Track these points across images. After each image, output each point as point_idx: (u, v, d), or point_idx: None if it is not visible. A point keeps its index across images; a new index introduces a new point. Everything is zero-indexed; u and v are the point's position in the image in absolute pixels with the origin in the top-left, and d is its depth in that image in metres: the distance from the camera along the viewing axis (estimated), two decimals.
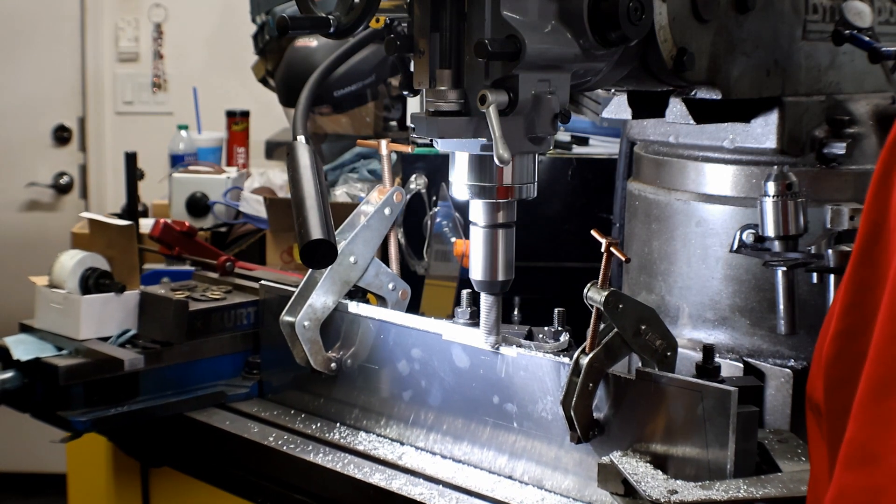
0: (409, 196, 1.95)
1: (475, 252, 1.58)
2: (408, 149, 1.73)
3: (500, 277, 1.58)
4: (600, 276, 1.47)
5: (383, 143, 1.97)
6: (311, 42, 3.34)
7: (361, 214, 1.88)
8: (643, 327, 1.48)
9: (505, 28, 1.36)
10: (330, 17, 1.42)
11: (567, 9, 1.40)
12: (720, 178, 1.72)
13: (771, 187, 1.54)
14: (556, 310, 1.74)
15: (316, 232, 1.75)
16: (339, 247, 1.84)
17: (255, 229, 3.32)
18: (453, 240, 2.50)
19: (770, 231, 1.55)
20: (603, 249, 1.48)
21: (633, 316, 1.48)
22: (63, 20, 5.27)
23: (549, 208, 2.76)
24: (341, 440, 1.79)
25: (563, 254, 2.79)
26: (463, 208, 1.74)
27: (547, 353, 1.61)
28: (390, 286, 1.90)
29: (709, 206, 1.72)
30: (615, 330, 1.48)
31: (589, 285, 1.48)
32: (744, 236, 1.60)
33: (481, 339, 1.65)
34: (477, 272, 1.58)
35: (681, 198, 1.75)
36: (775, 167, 1.57)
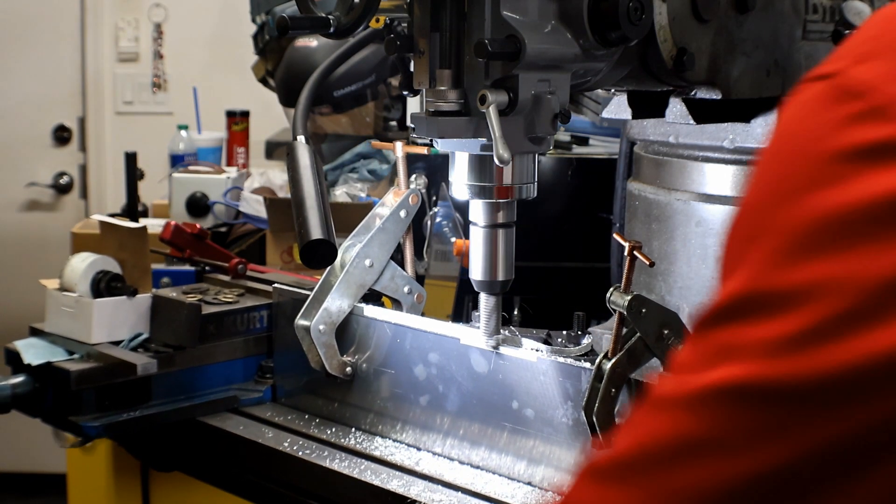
0: None
1: (475, 252, 1.57)
2: (424, 150, 1.72)
3: (500, 277, 1.58)
4: (623, 280, 1.46)
5: (399, 144, 1.96)
6: (311, 42, 3.34)
7: (377, 217, 1.85)
8: (666, 332, 1.46)
9: (505, 28, 1.36)
10: (330, 17, 1.42)
11: (567, 9, 1.40)
12: (720, 178, 1.72)
13: None
14: (575, 313, 1.71)
15: (316, 232, 1.74)
16: (355, 250, 1.82)
17: (255, 229, 3.32)
18: (453, 240, 2.50)
19: None
20: (626, 253, 1.46)
21: (657, 320, 1.46)
22: (63, 20, 5.27)
23: (549, 208, 2.76)
24: (357, 446, 1.77)
25: (563, 254, 2.79)
26: (463, 208, 1.73)
27: (568, 357, 1.59)
28: (406, 289, 1.88)
29: (709, 206, 1.72)
30: (638, 335, 1.46)
31: (612, 289, 1.46)
32: None
33: (481, 340, 1.65)
34: (477, 272, 1.58)
35: (681, 198, 1.75)
36: None
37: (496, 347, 1.64)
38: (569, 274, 2.75)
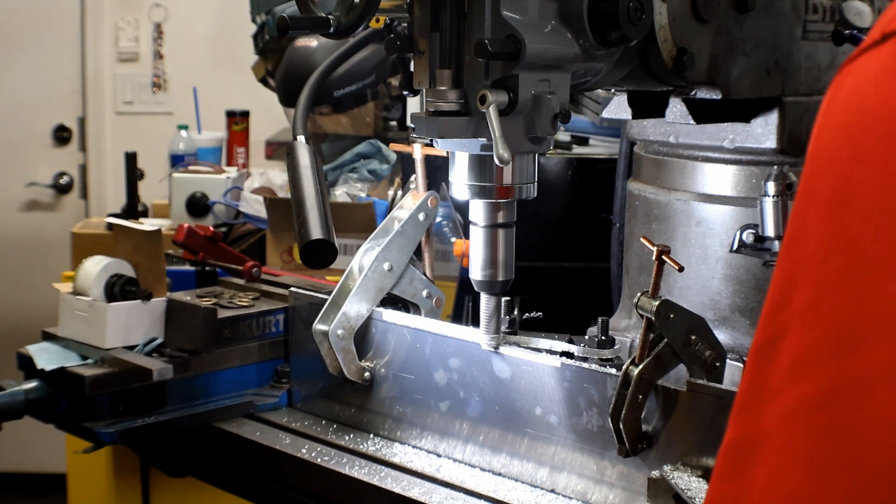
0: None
1: (475, 252, 1.57)
2: (443, 153, 1.70)
3: (500, 277, 1.57)
4: (651, 284, 1.43)
5: (417, 147, 1.93)
6: (311, 42, 3.34)
7: (395, 220, 1.82)
8: (693, 337, 1.44)
9: (505, 28, 1.36)
10: (330, 17, 1.42)
11: (567, 9, 1.40)
12: (720, 178, 1.72)
13: (771, 187, 1.54)
14: (599, 318, 1.68)
15: (316, 232, 1.74)
16: (373, 253, 1.79)
17: (255, 229, 3.32)
18: (453, 240, 2.49)
19: (770, 231, 1.55)
20: (654, 257, 1.44)
21: (684, 326, 1.44)
22: (63, 20, 5.27)
23: (549, 208, 2.76)
24: (376, 452, 1.74)
25: (563, 254, 2.79)
26: (463, 208, 1.73)
27: (592, 363, 1.56)
28: (424, 293, 1.85)
29: (709, 206, 1.72)
30: (665, 340, 1.44)
31: (639, 294, 1.44)
32: (744, 236, 1.60)
33: (482, 340, 1.64)
34: (477, 272, 1.58)
35: (681, 198, 1.75)
36: (775, 167, 1.57)
37: (496, 347, 1.63)
38: (569, 274, 2.75)
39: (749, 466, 0.79)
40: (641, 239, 1.50)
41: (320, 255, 1.75)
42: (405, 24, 1.52)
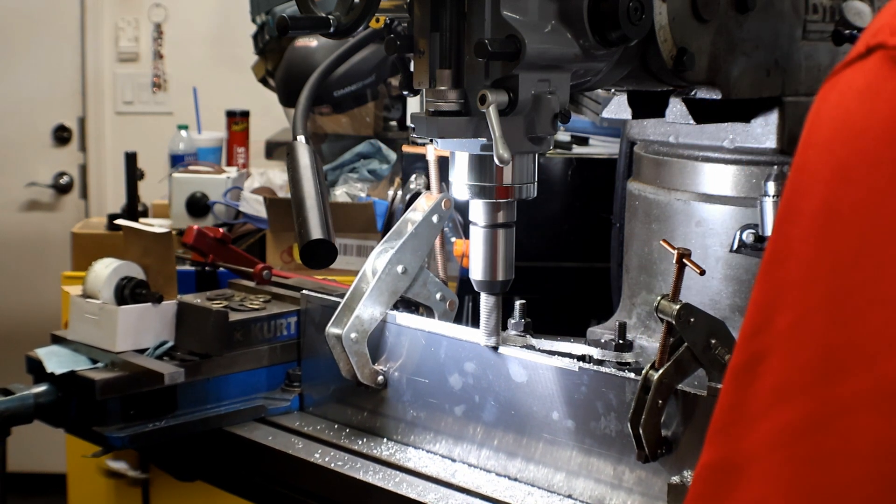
0: (409, 196, 1.92)
1: (475, 252, 1.57)
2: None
3: (500, 277, 1.57)
4: (671, 288, 1.42)
5: (430, 148, 1.92)
6: (311, 42, 3.34)
7: (409, 222, 1.80)
8: (713, 341, 1.43)
9: (505, 28, 1.36)
10: (330, 17, 1.42)
11: (567, 9, 1.40)
12: (720, 178, 1.72)
13: (771, 187, 1.54)
14: (616, 322, 1.67)
15: (316, 232, 1.74)
16: (387, 256, 1.78)
17: (255, 229, 3.32)
18: (453, 240, 2.49)
19: (770, 231, 1.55)
20: (675, 261, 1.43)
21: (704, 330, 1.42)
22: (63, 20, 5.27)
23: (549, 208, 2.76)
24: (390, 457, 1.72)
25: (563, 254, 2.79)
26: (463, 208, 1.72)
27: (609, 366, 1.55)
28: (438, 296, 1.83)
29: (709, 206, 1.72)
30: (685, 344, 1.42)
31: (659, 298, 1.42)
32: (744, 236, 1.60)
33: (481, 339, 1.64)
34: (477, 272, 1.58)
35: (681, 198, 1.75)
36: (775, 167, 1.57)
37: (496, 347, 1.63)
38: (569, 274, 2.75)
39: (729, 490, 0.77)
40: (661, 242, 1.49)
41: (320, 255, 1.75)
42: (405, 24, 1.52)
